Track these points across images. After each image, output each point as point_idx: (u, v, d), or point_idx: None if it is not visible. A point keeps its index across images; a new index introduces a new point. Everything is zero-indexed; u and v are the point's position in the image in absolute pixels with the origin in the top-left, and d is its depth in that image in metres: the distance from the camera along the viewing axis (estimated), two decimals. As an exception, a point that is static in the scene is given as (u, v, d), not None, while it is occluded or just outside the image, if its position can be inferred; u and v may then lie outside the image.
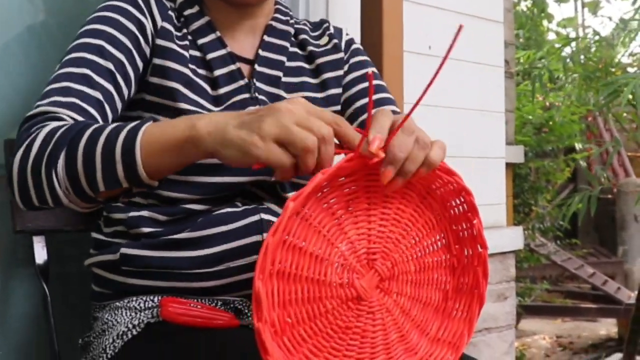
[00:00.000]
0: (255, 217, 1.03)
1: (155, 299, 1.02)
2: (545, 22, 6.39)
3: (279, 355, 0.74)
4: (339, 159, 0.79)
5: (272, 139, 0.78)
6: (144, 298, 1.03)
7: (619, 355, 4.10)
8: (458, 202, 0.88)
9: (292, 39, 1.20)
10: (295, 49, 1.20)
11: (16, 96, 1.34)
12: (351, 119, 1.20)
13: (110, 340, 1.00)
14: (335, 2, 1.76)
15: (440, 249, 0.88)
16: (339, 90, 1.21)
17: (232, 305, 1.03)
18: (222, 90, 1.09)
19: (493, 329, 2.34)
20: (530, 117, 4.39)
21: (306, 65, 1.20)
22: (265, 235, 1.00)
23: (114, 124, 0.90)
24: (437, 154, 0.80)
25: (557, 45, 4.51)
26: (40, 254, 1.21)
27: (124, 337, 0.99)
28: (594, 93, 3.65)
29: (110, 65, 1.02)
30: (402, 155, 0.77)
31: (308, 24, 1.27)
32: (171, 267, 1.02)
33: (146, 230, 1.03)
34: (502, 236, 2.34)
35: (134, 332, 0.99)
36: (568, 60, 3.73)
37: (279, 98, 1.12)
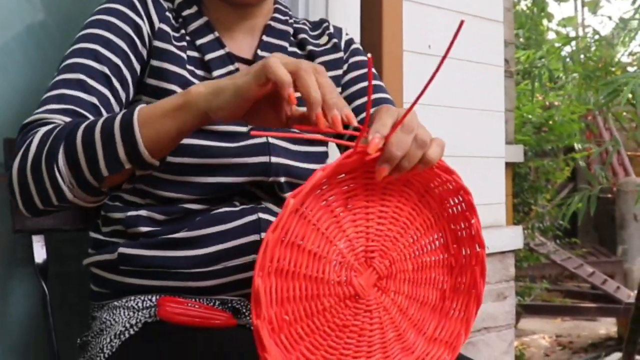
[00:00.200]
0: (253, 217, 1.03)
1: (153, 299, 1.02)
2: (545, 22, 6.39)
3: (277, 353, 0.74)
4: (336, 157, 0.79)
5: (264, 65, 0.80)
6: (142, 297, 1.03)
7: (619, 354, 4.10)
8: (456, 201, 0.88)
9: (291, 38, 1.20)
10: (295, 49, 1.20)
11: (15, 95, 1.34)
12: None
13: (108, 340, 1.00)
14: (335, 2, 1.75)
15: (438, 248, 0.88)
16: (338, 90, 1.20)
17: (229, 305, 1.03)
18: (221, 91, 1.09)
19: (492, 329, 2.34)
20: (530, 116, 4.39)
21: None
22: (263, 234, 1.00)
23: (107, 114, 0.90)
24: (435, 152, 0.80)
25: (557, 45, 4.50)
26: (40, 253, 1.21)
27: (122, 336, 0.99)
28: (594, 92, 3.65)
29: (106, 69, 1.02)
30: (399, 154, 0.77)
31: (307, 23, 1.26)
32: (169, 266, 1.02)
33: (144, 229, 1.03)
34: (501, 235, 2.34)
35: (132, 332, 0.99)
36: (568, 59, 3.74)
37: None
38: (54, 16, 1.41)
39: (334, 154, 1.23)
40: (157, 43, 1.07)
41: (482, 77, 2.25)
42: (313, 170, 0.80)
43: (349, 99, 1.21)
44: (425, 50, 2.03)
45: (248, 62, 1.14)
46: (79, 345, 1.10)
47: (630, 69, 4.79)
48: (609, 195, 6.33)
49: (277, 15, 1.19)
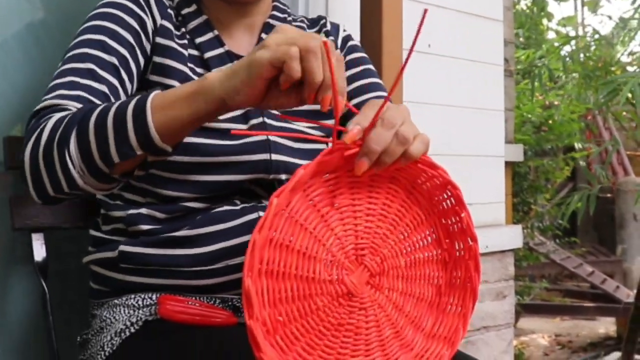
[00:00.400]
0: (254, 215, 1.03)
1: (154, 297, 1.02)
2: (545, 21, 6.38)
3: (273, 354, 0.74)
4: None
5: (276, 43, 0.79)
6: (142, 296, 1.03)
7: (618, 353, 4.10)
8: (445, 196, 0.88)
9: (290, 36, 1.20)
10: (293, 47, 1.19)
11: (14, 94, 1.33)
12: (347, 117, 1.20)
13: (108, 338, 1.00)
14: (335, 0, 1.75)
15: (430, 244, 0.88)
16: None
17: (230, 303, 1.03)
18: (220, 89, 1.09)
19: (492, 328, 2.34)
20: (530, 116, 4.39)
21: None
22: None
23: (124, 100, 0.89)
24: (417, 148, 0.80)
25: (556, 44, 4.50)
26: (39, 251, 1.21)
27: (122, 334, 0.99)
28: (593, 92, 3.65)
29: (115, 60, 1.01)
30: (378, 148, 0.77)
31: (306, 21, 1.26)
32: (169, 264, 1.02)
33: (145, 227, 1.03)
34: (501, 234, 2.34)
35: (132, 330, 0.99)
36: (568, 59, 3.74)
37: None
38: (54, 14, 1.41)
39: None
40: (159, 39, 1.07)
41: (481, 76, 2.25)
42: None
43: (348, 97, 1.20)
44: (425, 49, 2.03)
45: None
46: (79, 343, 1.10)
47: (630, 68, 4.79)
48: (609, 195, 6.32)
49: (275, 12, 1.19)
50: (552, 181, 5.01)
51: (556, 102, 4.84)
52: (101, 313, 1.07)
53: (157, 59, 1.07)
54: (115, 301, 1.05)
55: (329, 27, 1.25)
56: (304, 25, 1.24)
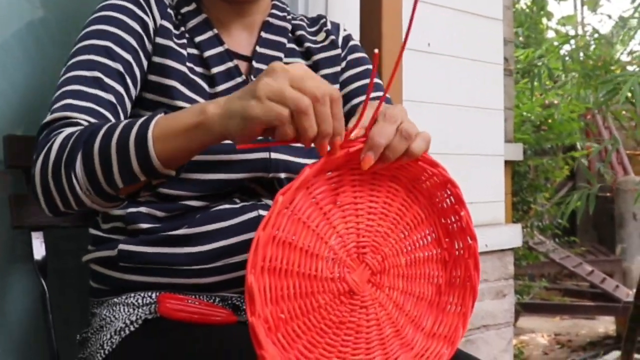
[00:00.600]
0: (253, 214, 1.03)
1: (153, 295, 1.02)
2: (544, 20, 6.39)
3: (274, 351, 0.74)
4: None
5: (267, 97, 0.76)
6: (142, 294, 1.03)
7: (617, 352, 4.10)
8: (445, 195, 0.88)
9: (289, 35, 1.20)
10: (293, 45, 1.20)
11: (14, 93, 1.33)
12: (348, 117, 1.20)
13: (108, 337, 1.00)
14: (335, -1, 1.76)
15: (430, 243, 0.89)
16: (335, 87, 1.20)
17: (230, 302, 1.03)
18: (220, 88, 1.09)
19: (491, 327, 2.34)
20: (530, 115, 4.39)
21: (303, 62, 1.19)
22: (264, 232, 1.00)
23: (126, 120, 0.89)
24: (419, 145, 0.81)
25: (556, 43, 4.51)
26: (39, 250, 1.21)
27: (122, 333, 0.99)
28: (593, 91, 3.65)
29: (120, 67, 1.02)
30: (383, 142, 0.78)
31: (305, 20, 1.26)
32: (169, 263, 1.02)
33: (144, 226, 1.03)
34: (500, 233, 2.34)
35: (132, 329, 0.99)
36: (567, 58, 3.74)
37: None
38: (54, 13, 1.41)
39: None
40: (158, 40, 1.07)
41: (481, 75, 2.25)
42: None
43: (348, 97, 1.21)
44: (425, 48, 2.03)
45: (247, 59, 1.14)
46: (79, 342, 1.10)
47: (629, 67, 4.80)
48: (608, 194, 6.33)
49: (275, 11, 1.19)
50: (551, 180, 5.01)
51: (556, 102, 4.84)
52: (101, 312, 1.07)
53: (156, 59, 1.07)
54: (115, 300, 1.05)
55: (329, 26, 1.25)
56: (304, 24, 1.24)
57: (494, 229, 2.30)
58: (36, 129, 0.98)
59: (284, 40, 1.18)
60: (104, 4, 1.08)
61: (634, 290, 3.45)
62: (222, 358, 0.88)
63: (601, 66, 3.61)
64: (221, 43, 1.12)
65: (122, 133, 0.87)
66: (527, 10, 5.70)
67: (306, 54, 1.20)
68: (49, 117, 0.96)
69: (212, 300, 1.02)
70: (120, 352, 0.98)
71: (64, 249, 1.35)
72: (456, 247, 0.89)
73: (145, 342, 0.97)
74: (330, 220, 0.81)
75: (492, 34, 2.30)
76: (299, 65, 0.80)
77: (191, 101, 1.05)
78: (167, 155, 0.86)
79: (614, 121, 5.82)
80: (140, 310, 1.02)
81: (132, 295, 1.03)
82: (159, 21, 1.08)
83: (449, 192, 0.88)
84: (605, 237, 7.14)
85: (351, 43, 1.25)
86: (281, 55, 1.16)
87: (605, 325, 5.54)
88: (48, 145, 0.91)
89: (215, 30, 1.13)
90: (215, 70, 1.09)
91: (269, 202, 1.07)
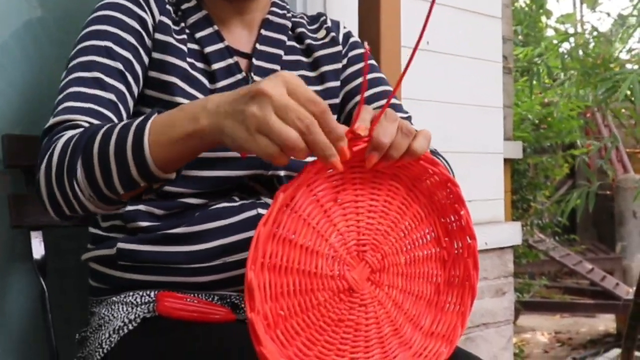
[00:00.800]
0: (253, 212, 1.03)
1: (152, 294, 1.02)
2: (543, 18, 6.39)
3: (273, 348, 0.74)
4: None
5: (256, 130, 0.74)
6: (141, 293, 1.03)
7: (618, 350, 4.10)
8: (445, 193, 0.88)
9: (289, 32, 1.20)
10: (293, 43, 1.20)
11: (12, 92, 1.33)
12: (351, 113, 1.20)
13: (107, 335, 1.00)
14: (333, -4, 1.75)
15: (430, 242, 0.89)
16: (337, 84, 1.21)
17: (228, 300, 1.03)
18: (220, 84, 1.09)
19: (491, 325, 2.34)
20: (529, 114, 4.39)
21: (304, 59, 1.20)
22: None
23: (122, 123, 0.89)
24: (420, 143, 0.81)
25: (555, 42, 4.51)
26: (38, 249, 1.22)
27: (120, 332, 0.99)
28: (592, 89, 3.65)
29: (120, 66, 1.02)
30: (386, 141, 0.79)
31: (305, 17, 1.27)
32: (168, 261, 1.02)
33: (143, 224, 1.03)
34: (500, 232, 2.34)
35: (130, 327, 0.99)
36: (566, 56, 3.74)
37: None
38: (52, 13, 1.41)
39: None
40: (158, 36, 1.07)
41: (480, 73, 2.25)
42: None
43: (350, 94, 1.21)
44: (424, 46, 2.03)
45: (247, 56, 1.14)
46: (78, 341, 1.10)
47: (628, 65, 4.80)
48: (608, 192, 6.34)
49: (274, 9, 1.19)
50: (551, 178, 5.01)
51: (555, 100, 4.84)
52: (99, 310, 1.07)
53: (156, 55, 1.07)
54: (114, 298, 1.05)
55: (329, 23, 1.25)
56: (304, 22, 1.24)
57: (494, 227, 2.30)
58: (35, 128, 0.98)
59: (284, 37, 1.18)
60: (101, 3, 1.08)
61: (634, 288, 3.44)
62: (221, 356, 0.88)
63: (600, 64, 3.61)
64: (221, 40, 1.12)
65: (119, 140, 0.86)
66: (526, 8, 5.70)
67: (307, 52, 1.20)
68: (50, 121, 0.96)
69: (211, 299, 1.02)
70: (119, 351, 0.98)
71: (64, 248, 1.35)
72: (455, 246, 0.89)
73: (144, 341, 0.97)
74: (331, 218, 0.81)
75: (491, 32, 2.30)
76: (284, 79, 0.76)
77: (191, 97, 1.05)
78: (164, 159, 0.85)
79: (613, 119, 5.82)
80: (138, 308, 1.02)
81: (131, 293, 1.03)
82: (157, 17, 1.08)
83: (448, 191, 0.88)
84: (605, 235, 7.15)
85: (352, 40, 1.25)
86: (281, 52, 1.16)
87: (606, 323, 5.55)
88: (50, 150, 0.91)
89: (216, 27, 1.13)
90: (215, 66, 1.09)
91: (268, 200, 1.07)
